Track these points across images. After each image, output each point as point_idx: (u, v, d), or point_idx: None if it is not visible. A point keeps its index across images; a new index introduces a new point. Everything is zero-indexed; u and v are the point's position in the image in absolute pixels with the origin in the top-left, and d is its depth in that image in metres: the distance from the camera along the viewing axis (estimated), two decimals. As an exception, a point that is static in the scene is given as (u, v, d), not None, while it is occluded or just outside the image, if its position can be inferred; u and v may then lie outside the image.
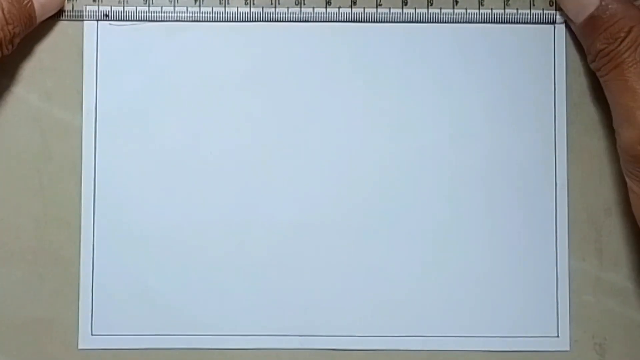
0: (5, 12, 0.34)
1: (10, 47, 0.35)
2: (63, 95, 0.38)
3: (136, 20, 0.38)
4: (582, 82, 0.38)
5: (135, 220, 0.38)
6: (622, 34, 0.35)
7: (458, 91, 0.38)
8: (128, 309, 0.37)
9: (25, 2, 0.35)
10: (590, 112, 0.38)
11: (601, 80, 0.36)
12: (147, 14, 0.38)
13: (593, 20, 0.36)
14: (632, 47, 0.35)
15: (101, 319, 0.37)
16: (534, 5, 0.38)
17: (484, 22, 0.38)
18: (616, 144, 0.36)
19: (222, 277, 0.38)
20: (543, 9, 0.38)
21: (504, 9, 0.38)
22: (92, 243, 0.37)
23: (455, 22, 0.38)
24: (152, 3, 0.38)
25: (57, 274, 0.38)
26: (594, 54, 0.36)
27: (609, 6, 0.35)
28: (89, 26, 0.38)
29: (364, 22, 0.38)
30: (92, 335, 0.37)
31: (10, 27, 0.35)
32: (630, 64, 0.35)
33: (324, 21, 0.38)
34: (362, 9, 0.38)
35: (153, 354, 0.38)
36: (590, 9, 0.36)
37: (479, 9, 0.38)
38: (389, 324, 0.38)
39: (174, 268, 0.38)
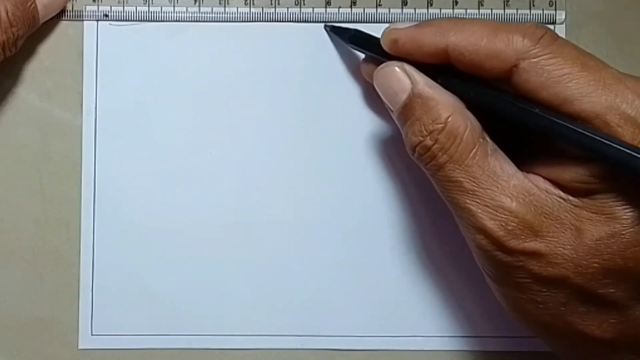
0: (10, 15, 0.34)
1: (13, 49, 0.35)
2: (63, 95, 0.38)
3: (136, 20, 0.38)
4: (582, 82, 0.38)
5: (135, 220, 0.38)
6: (438, 125, 0.31)
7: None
8: (128, 309, 0.37)
9: (29, 4, 0.35)
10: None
11: (431, 179, 0.32)
12: (147, 14, 0.38)
13: (406, 109, 0.32)
14: (454, 140, 0.31)
15: (101, 319, 0.37)
16: (534, 5, 0.38)
17: (484, 22, 0.38)
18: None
19: (222, 277, 0.38)
20: (543, 9, 0.38)
21: (504, 9, 0.38)
22: (92, 243, 0.37)
23: (455, 22, 0.38)
24: (152, 3, 0.38)
25: (57, 274, 0.38)
26: (411, 149, 0.32)
27: (422, 93, 0.32)
28: (89, 26, 0.38)
29: (363, 22, 0.38)
30: (92, 335, 0.37)
31: (14, 30, 0.35)
32: (457, 161, 0.31)
33: (323, 21, 0.38)
34: (362, 9, 0.38)
35: (153, 354, 0.38)
36: (402, 96, 0.32)
37: (478, 9, 0.38)
38: (389, 324, 0.38)
39: (174, 268, 0.38)
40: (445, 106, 0.31)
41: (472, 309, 0.38)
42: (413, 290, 0.38)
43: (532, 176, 0.31)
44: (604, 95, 0.30)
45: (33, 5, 0.36)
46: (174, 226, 0.38)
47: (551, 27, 0.38)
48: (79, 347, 0.38)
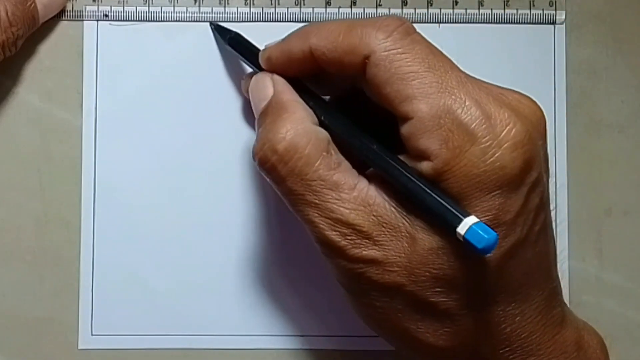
0: (9, 15, 0.34)
1: (13, 49, 0.35)
2: (63, 95, 0.38)
3: (136, 20, 0.38)
4: (582, 82, 0.38)
5: (135, 220, 0.38)
6: (280, 137, 0.31)
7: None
8: (128, 309, 0.38)
9: (29, 4, 0.35)
10: (590, 112, 0.38)
11: (276, 191, 0.32)
12: (147, 14, 0.38)
13: (261, 117, 0.33)
14: (294, 155, 0.31)
15: (101, 319, 0.37)
16: (534, 5, 0.38)
17: (484, 22, 0.38)
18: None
19: (222, 277, 0.38)
20: (543, 9, 0.38)
21: (504, 9, 0.38)
22: (92, 243, 0.37)
23: (455, 22, 0.38)
24: (152, 3, 0.38)
25: (57, 274, 0.38)
26: (253, 158, 0.32)
27: (278, 102, 0.32)
28: (89, 26, 0.38)
29: (364, 22, 0.38)
30: (92, 335, 0.37)
31: (14, 30, 0.35)
32: (298, 175, 0.31)
33: (323, 21, 0.38)
34: (362, 9, 0.38)
35: (153, 354, 0.38)
36: (263, 104, 0.33)
37: (479, 9, 0.38)
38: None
39: (174, 268, 0.38)
40: (293, 119, 0.31)
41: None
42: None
43: (375, 185, 0.31)
44: (443, 98, 0.30)
45: (33, 5, 0.35)
46: (173, 226, 0.38)
47: (551, 27, 0.38)
48: (79, 347, 0.38)
